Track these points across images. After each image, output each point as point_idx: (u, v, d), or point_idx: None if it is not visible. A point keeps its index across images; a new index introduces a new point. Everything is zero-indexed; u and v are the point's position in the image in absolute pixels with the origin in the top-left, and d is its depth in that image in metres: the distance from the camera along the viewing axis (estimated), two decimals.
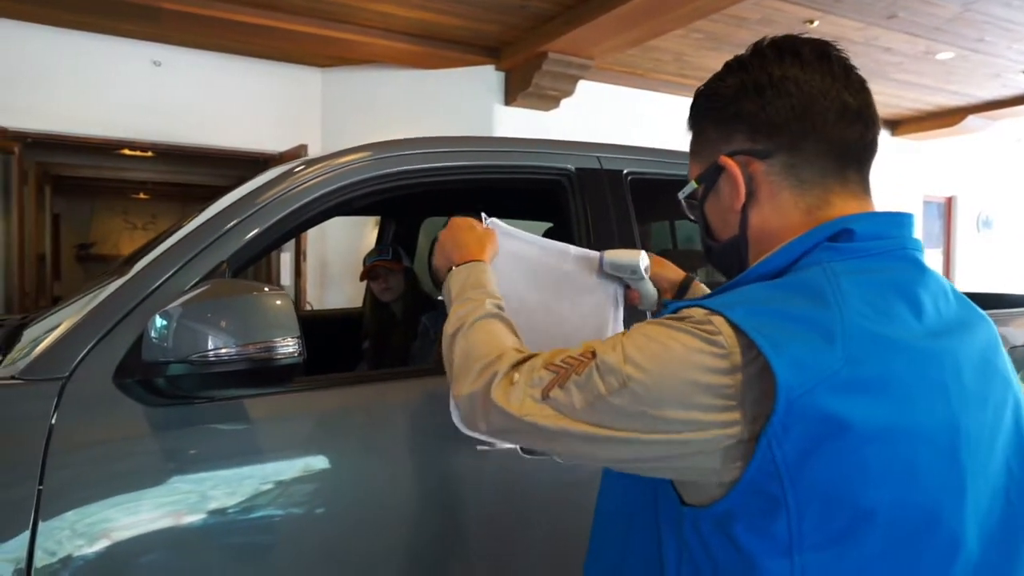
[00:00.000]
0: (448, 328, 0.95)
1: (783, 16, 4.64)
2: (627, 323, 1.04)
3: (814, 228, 0.74)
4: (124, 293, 1.23)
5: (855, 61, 0.78)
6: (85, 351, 1.16)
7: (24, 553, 1.02)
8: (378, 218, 3.40)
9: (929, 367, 0.67)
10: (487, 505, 1.41)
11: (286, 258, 5.55)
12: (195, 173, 7.17)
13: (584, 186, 1.68)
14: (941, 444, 0.65)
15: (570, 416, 0.71)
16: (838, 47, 0.78)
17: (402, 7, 4.47)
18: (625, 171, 1.75)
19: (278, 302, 1.16)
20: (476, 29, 4.90)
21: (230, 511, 1.18)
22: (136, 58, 5.15)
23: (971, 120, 7.07)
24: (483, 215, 1.20)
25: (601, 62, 5.33)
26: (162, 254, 1.30)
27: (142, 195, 9.83)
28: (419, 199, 2.66)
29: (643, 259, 1.18)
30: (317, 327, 2.93)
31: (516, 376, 0.78)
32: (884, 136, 7.30)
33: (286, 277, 5.53)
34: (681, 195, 0.88)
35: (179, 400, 1.21)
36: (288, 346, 1.15)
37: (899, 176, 7.49)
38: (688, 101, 0.88)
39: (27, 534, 1.03)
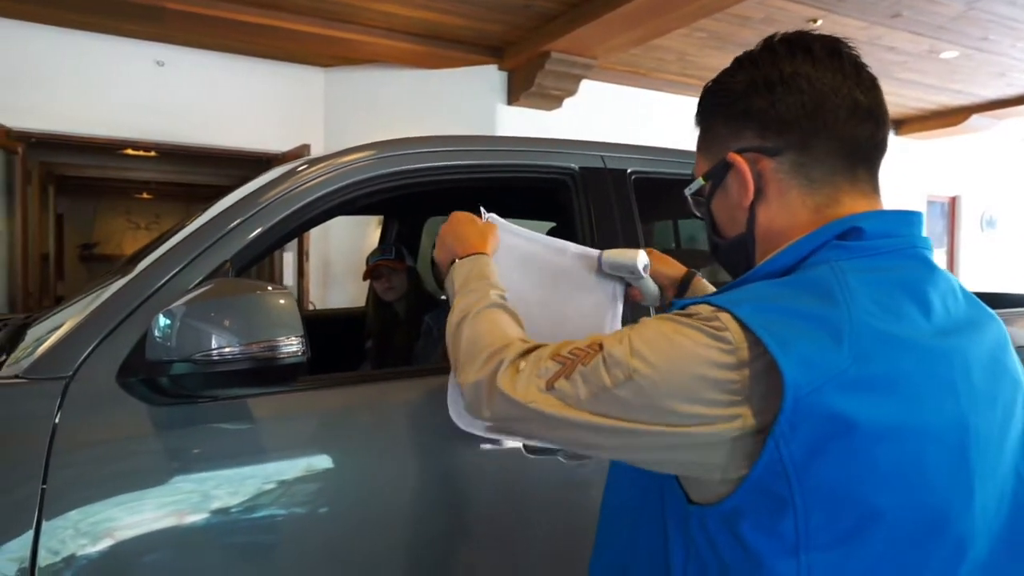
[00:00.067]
0: (453, 317, 0.95)
1: (786, 15, 4.63)
2: (630, 319, 1.04)
3: (823, 226, 0.73)
4: (127, 292, 1.23)
5: None
6: (89, 350, 1.16)
7: (28, 552, 1.02)
8: (381, 217, 3.39)
9: (938, 366, 0.66)
10: (490, 505, 1.40)
11: (289, 258, 5.56)
12: (198, 173, 7.19)
13: (588, 185, 1.67)
14: (950, 443, 0.65)
15: (575, 406, 0.71)
16: (849, 44, 0.77)
17: (405, 7, 4.47)
18: (629, 170, 1.75)
19: (282, 301, 1.16)
20: (479, 29, 4.90)
21: (233, 510, 1.18)
22: (139, 58, 5.16)
23: (975, 119, 7.05)
24: (482, 210, 1.20)
25: (604, 61, 5.32)
26: (165, 253, 1.30)
27: (145, 195, 9.85)
28: (422, 198, 2.66)
29: (641, 259, 1.17)
30: (320, 327, 2.93)
31: (523, 364, 0.78)
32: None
33: (289, 277, 5.53)
34: (688, 192, 0.87)
35: (183, 399, 1.21)
36: (292, 345, 1.15)
37: (902, 176, 7.48)
38: (691, 100, 0.87)
39: (31, 533, 1.03)
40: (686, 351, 0.66)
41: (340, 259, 5.70)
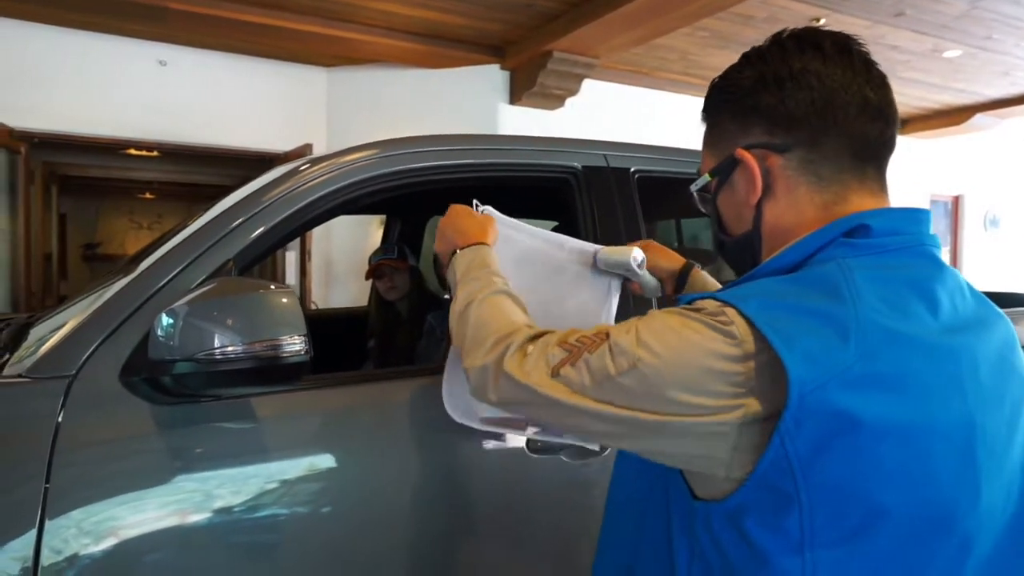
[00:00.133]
0: (457, 305, 0.95)
1: (789, 14, 4.62)
2: (631, 313, 1.04)
3: (830, 223, 0.73)
4: (130, 291, 1.23)
5: None
6: (91, 349, 1.16)
7: (31, 551, 1.02)
8: (383, 217, 3.39)
9: (945, 364, 0.66)
10: (493, 504, 1.40)
11: (291, 257, 5.56)
12: (201, 173, 7.19)
13: (591, 184, 1.67)
14: (957, 441, 0.65)
15: (579, 393, 0.72)
16: (859, 41, 0.76)
17: (407, 6, 4.47)
18: (632, 169, 1.75)
19: (284, 300, 1.16)
20: (481, 28, 4.89)
21: (236, 510, 1.17)
22: (142, 58, 5.16)
23: (978, 118, 7.03)
24: (475, 203, 1.20)
25: (606, 61, 5.32)
26: (168, 252, 1.30)
27: (148, 195, 9.88)
28: (424, 197, 2.65)
29: (635, 257, 1.17)
30: (322, 326, 2.93)
31: (530, 349, 0.78)
32: None
33: (291, 276, 5.53)
34: (694, 188, 0.87)
35: (185, 398, 1.21)
36: (295, 344, 1.15)
37: (906, 175, 7.46)
38: (694, 100, 0.87)
39: (34, 532, 1.03)
40: (692, 343, 0.67)
41: (342, 258, 5.70)
